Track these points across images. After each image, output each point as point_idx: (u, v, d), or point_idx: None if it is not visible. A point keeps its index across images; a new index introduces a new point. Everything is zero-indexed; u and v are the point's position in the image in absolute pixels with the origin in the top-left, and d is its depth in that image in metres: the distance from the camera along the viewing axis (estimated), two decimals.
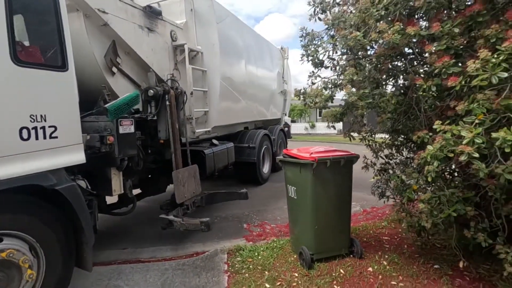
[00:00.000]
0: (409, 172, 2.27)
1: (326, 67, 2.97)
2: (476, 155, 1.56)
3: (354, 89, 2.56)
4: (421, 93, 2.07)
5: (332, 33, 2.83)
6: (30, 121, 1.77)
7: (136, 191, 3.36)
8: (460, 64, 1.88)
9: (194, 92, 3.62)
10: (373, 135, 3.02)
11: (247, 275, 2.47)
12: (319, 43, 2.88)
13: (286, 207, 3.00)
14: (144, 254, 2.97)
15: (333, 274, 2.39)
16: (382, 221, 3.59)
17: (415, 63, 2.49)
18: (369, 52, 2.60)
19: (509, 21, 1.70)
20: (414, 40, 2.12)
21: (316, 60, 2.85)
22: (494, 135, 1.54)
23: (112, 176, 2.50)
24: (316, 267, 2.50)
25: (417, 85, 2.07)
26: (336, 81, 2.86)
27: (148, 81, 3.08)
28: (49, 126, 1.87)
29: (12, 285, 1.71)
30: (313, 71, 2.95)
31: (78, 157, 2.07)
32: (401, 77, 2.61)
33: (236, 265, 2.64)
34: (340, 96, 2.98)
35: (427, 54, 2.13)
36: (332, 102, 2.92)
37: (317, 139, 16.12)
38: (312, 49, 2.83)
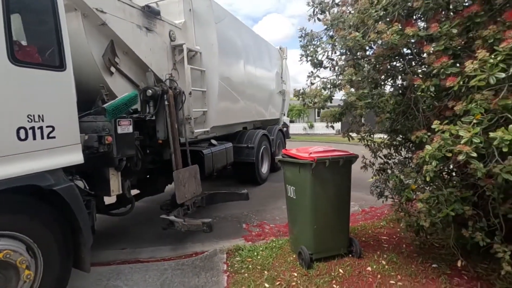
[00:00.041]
0: (408, 172, 2.29)
1: (325, 68, 2.98)
2: (474, 154, 1.57)
3: (353, 89, 2.57)
4: (420, 93, 2.08)
5: (331, 33, 2.84)
6: (28, 121, 1.76)
7: (135, 192, 3.34)
8: (458, 65, 1.89)
9: (193, 92, 3.61)
10: (371, 135, 3.03)
11: (246, 275, 2.47)
12: (318, 43, 2.89)
13: (285, 207, 3.00)
14: (143, 254, 2.96)
15: (332, 274, 2.40)
16: (380, 220, 3.61)
17: (414, 64, 2.51)
18: (368, 53, 2.61)
19: (506, 21, 1.71)
20: (413, 40, 2.13)
21: (315, 60, 2.86)
22: (491, 134, 1.55)
23: (111, 176, 2.48)
24: (315, 267, 2.50)
25: (416, 85, 2.09)
26: (335, 81, 2.87)
27: (146, 81, 3.07)
28: (47, 126, 1.86)
29: (9, 286, 1.69)
30: (312, 71, 2.96)
31: (76, 157, 2.06)
32: (400, 77, 2.62)
33: (235, 265, 2.64)
34: (339, 96, 2.99)
35: (425, 55, 2.14)
36: (331, 102, 2.93)
37: (315, 139, 16.15)
38: (311, 49, 2.84)
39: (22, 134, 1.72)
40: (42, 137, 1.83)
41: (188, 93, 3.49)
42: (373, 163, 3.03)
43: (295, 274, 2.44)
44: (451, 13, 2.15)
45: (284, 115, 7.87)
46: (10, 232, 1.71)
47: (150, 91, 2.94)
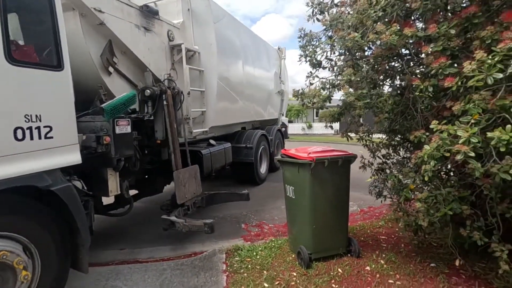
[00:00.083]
0: (406, 171, 2.30)
1: (324, 68, 2.99)
2: (472, 154, 1.58)
3: (351, 90, 2.58)
4: (418, 93, 2.09)
5: (330, 34, 2.85)
6: (25, 121, 1.75)
7: (133, 192, 3.33)
8: (456, 65, 1.90)
9: (191, 92, 3.60)
10: (370, 135, 3.04)
11: (245, 274, 2.47)
12: (317, 43, 2.89)
13: (284, 207, 3.01)
14: (142, 255, 2.95)
15: (331, 273, 2.40)
16: (379, 220, 3.62)
17: (412, 64, 2.52)
18: (366, 53, 2.62)
19: (504, 22, 1.72)
20: (411, 41, 2.14)
21: (314, 60, 2.86)
22: (489, 134, 1.56)
23: (109, 176, 2.47)
24: (314, 266, 2.51)
25: (414, 86, 2.10)
26: (334, 82, 2.87)
27: (145, 81, 3.06)
28: (44, 126, 1.85)
29: (7, 287, 1.68)
30: (311, 72, 2.97)
31: (74, 157, 2.05)
32: (398, 77, 2.63)
33: (235, 265, 2.64)
34: (337, 96, 3.00)
35: (423, 55, 2.15)
36: (330, 103, 2.94)
37: (314, 139, 16.17)
38: (310, 49, 2.85)
39: (19, 134, 1.71)
40: (40, 137, 1.82)
41: (186, 93, 3.49)
42: (371, 163, 3.05)
43: (294, 274, 2.44)
44: (449, 14, 2.17)
45: (283, 115, 7.88)
46: (6, 233, 1.70)
47: (148, 91, 2.93)
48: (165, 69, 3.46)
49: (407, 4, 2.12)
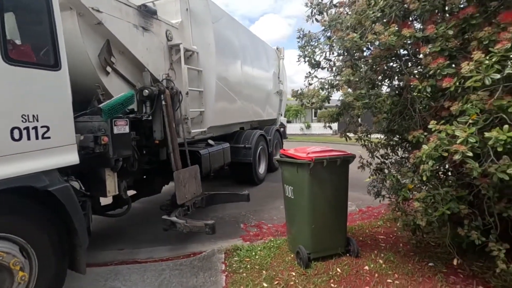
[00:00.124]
0: (405, 171, 2.31)
1: (323, 68, 3.00)
2: (470, 154, 1.59)
3: (350, 90, 2.59)
4: (416, 93, 2.10)
5: (329, 34, 2.86)
6: (22, 121, 1.73)
7: (131, 192, 3.31)
8: (454, 66, 1.91)
9: (190, 92, 3.60)
10: (368, 135, 3.05)
11: (244, 274, 2.47)
12: (316, 44, 2.90)
13: (283, 207, 3.01)
14: (141, 255, 2.94)
15: (330, 273, 2.41)
16: (377, 220, 3.63)
17: (410, 64, 2.53)
18: (365, 53, 2.63)
19: (501, 23, 1.74)
20: (409, 41, 2.15)
21: (313, 61, 2.87)
22: (487, 134, 1.57)
23: (107, 177, 2.46)
24: (313, 266, 2.51)
25: (412, 86, 2.11)
26: (332, 82, 2.88)
27: (143, 81, 3.05)
28: (42, 126, 1.84)
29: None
30: (309, 72, 2.97)
31: (72, 157, 2.04)
32: (396, 78, 2.64)
33: (234, 265, 2.63)
34: (336, 96, 3.01)
35: (421, 56, 2.16)
36: (328, 103, 2.95)
37: (312, 140, 16.21)
38: (309, 50, 2.85)
39: (16, 134, 1.70)
40: (37, 138, 1.81)
41: (185, 93, 3.48)
42: (370, 163, 3.05)
43: (293, 274, 2.44)
44: (447, 15, 2.18)
45: (281, 115, 7.89)
46: (3, 234, 1.69)
47: (146, 91, 2.92)
48: (164, 69, 3.45)
49: (405, 5, 2.13)
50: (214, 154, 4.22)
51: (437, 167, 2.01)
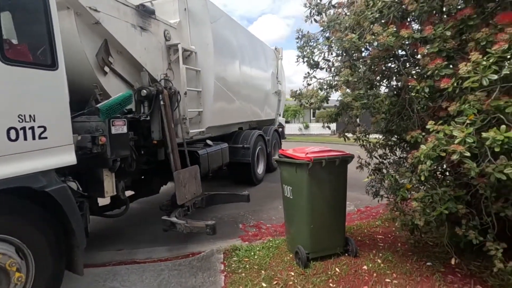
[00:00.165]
0: (403, 171, 2.32)
1: (322, 69, 3.01)
2: (468, 154, 1.60)
3: (349, 90, 2.60)
4: (414, 94, 2.11)
5: (327, 35, 2.87)
6: (19, 121, 1.72)
7: (129, 193, 3.30)
8: (451, 66, 1.93)
9: (188, 92, 3.59)
10: (367, 136, 3.07)
11: (243, 274, 2.47)
12: (314, 44, 2.90)
13: (281, 207, 3.01)
14: (140, 255, 2.93)
15: (329, 273, 2.41)
16: (376, 220, 3.65)
17: (408, 65, 2.55)
18: (363, 54, 2.64)
19: (498, 24, 1.75)
20: (407, 42, 2.16)
21: (312, 61, 2.88)
22: (484, 135, 1.58)
23: (104, 177, 2.44)
24: (312, 266, 2.52)
25: (410, 86, 2.12)
26: (331, 82, 2.89)
27: (141, 81, 3.04)
28: (38, 127, 1.82)
29: None
30: (308, 72, 2.98)
31: (69, 158, 2.02)
32: (395, 78, 2.66)
33: (233, 265, 2.63)
34: (335, 97, 3.02)
35: (419, 56, 2.17)
36: (327, 103, 2.95)
37: (311, 140, 16.24)
38: (308, 50, 2.86)
39: (12, 134, 1.68)
40: (34, 138, 1.79)
41: (183, 93, 3.47)
42: (368, 163, 3.07)
43: (292, 274, 2.44)
44: (445, 16, 2.19)
45: (280, 115, 7.89)
46: None
47: (144, 91, 2.91)
48: (162, 69, 3.44)
49: (404, 6, 2.15)
50: (213, 154, 4.21)
51: (435, 167, 2.02)
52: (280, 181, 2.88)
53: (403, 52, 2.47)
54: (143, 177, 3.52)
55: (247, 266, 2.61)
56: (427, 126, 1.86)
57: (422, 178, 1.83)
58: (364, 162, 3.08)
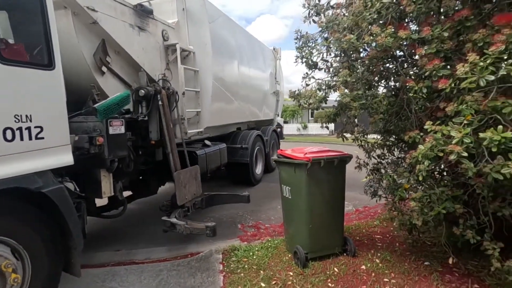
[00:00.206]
0: (401, 171, 2.33)
1: (320, 69, 3.01)
2: (465, 154, 1.61)
3: (347, 91, 2.60)
4: (412, 94, 2.12)
5: (326, 35, 2.87)
6: (15, 121, 1.70)
7: (127, 193, 3.28)
8: (449, 67, 1.94)
9: (186, 92, 3.58)
10: (365, 136, 3.08)
11: (242, 274, 2.47)
12: (313, 45, 2.91)
13: (280, 207, 3.01)
14: (138, 256, 2.92)
15: (327, 273, 2.42)
16: (374, 220, 3.66)
17: (406, 66, 2.56)
18: (362, 55, 2.65)
19: (495, 26, 1.76)
20: (405, 43, 2.17)
21: (310, 62, 2.88)
22: (481, 135, 1.59)
23: (102, 178, 2.43)
24: (310, 266, 2.52)
25: (408, 87, 2.13)
26: (329, 83, 2.90)
27: (139, 81, 3.02)
28: (35, 127, 1.81)
29: None
30: (307, 73, 2.98)
31: (66, 158, 2.01)
32: (393, 79, 2.67)
33: (231, 265, 2.63)
34: (333, 97, 3.02)
35: (417, 57, 2.19)
36: (325, 103, 2.96)
37: (309, 140, 16.26)
38: (307, 51, 2.86)
39: (8, 135, 1.67)
40: (30, 138, 1.78)
41: (181, 93, 3.46)
42: (367, 163, 3.08)
43: (291, 273, 2.45)
44: (442, 17, 2.20)
45: (278, 115, 7.89)
46: None
47: (142, 91, 2.90)
48: (160, 69, 3.42)
49: (402, 7, 2.16)
50: (211, 155, 4.20)
51: (433, 167, 2.02)
52: (278, 181, 2.88)
53: (401, 53, 2.48)
54: (141, 177, 3.51)
55: (246, 266, 2.60)
56: (425, 127, 1.87)
57: (420, 178, 1.84)
58: (362, 162, 3.09)
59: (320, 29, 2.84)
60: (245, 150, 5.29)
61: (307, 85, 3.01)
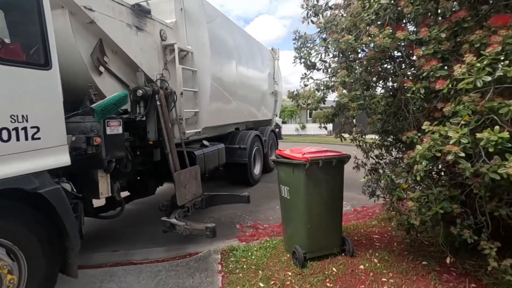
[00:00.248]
0: (399, 171, 2.34)
1: (318, 69, 3.02)
2: (462, 154, 1.62)
3: (345, 91, 2.61)
4: (410, 95, 2.13)
5: (324, 36, 2.88)
6: (11, 121, 1.69)
7: (125, 194, 3.26)
8: (446, 68, 1.95)
9: (184, 92, 3.57)
10: (363, 136, 3.09)
11: (241, 275, 2.47)
12: (311, 45, 2.92)
13: (278, 208, 3.01)
14: (137, 256, 2.91)
15: (326, 272, 2.42)
16: (372, 220, 3.67)
17: (404, 66, 2.57)
18: (360, 55, 2.66)
19: (491, 27, 1.78)
20: (403, 44, 2.18)
21: (309, 62, 2.89)
22: (478, 135, 1.60)
23: (99, 178, 2.42)
24: (309, 266, 2.53)
25: (406, 87, 2.14)
26: (328, 83, 2.91)
27: (136, 81, 3.01)
28: (31, 127, 1.79)
29: None
30: (305, 73, 2.99)
31: (63, 159, 1.99)
32: (391, 79, 2.68)
33: (230, 265, 2.63)
34: (331, 97, 3.03)
35: (415, 58, 2.20)
36: (324, 104, 2.96)
37: (307, 140, 16.30)
38: (305, 51, 2.87)
39: (4, 135, 1.66)
40: (26, 138, 1.76)
41: (179, 93, 3.45)
42: (365, 163, 3.09)
43: (290, 273, 2.45)
44: (440, 18, 2.22)
45: (277, 116, 7.90)
46: None
47: (140, 91, 2.88)
48: (158, 69, 3.41)
49: (399, 8, 2.17)
50: (209, 155, 4.19)
51: (431, 167, 2.04)
52: (277, 182, 2.88)
53: (399, 54, 2.49)
54: (138, 178, 3.49)
55: (244, 266, 2.60)
56: (423, 127, 1.88)
57: (418, 178, 1.85)
58: (360, 162, 3.10)
59: (319, 29, 2.85)
60: (243, 150, 5.29)
61: (306, 85, 3.02)
